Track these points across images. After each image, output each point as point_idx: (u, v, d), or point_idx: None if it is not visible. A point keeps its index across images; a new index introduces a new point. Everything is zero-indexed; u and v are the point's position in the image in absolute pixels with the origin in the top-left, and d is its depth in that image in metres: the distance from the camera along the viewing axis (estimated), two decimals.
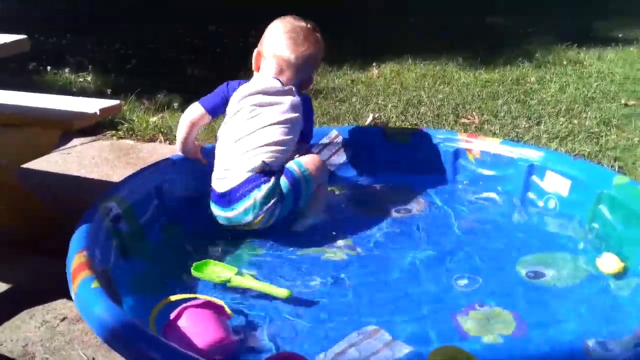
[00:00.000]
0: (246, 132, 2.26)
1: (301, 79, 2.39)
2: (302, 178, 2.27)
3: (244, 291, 1.94)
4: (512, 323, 1.81)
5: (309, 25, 2.39)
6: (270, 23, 2.41)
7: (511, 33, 6.00)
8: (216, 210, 2.26)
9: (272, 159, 2.23)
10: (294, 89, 2.35)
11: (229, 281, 1.94)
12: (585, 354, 1.70)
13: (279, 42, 2.34)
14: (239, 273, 1.97)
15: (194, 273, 1.98)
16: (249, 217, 2.19)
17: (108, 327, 1.49)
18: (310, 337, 1.76)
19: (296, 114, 2.32)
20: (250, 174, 2.20)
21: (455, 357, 1.59)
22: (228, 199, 2.22)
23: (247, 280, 1.95)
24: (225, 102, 2.36)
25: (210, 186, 2.29)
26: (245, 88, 2.34)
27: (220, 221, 2.27)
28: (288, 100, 2.32)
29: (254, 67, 2.43)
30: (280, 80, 2.34)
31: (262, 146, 2.23)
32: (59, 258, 1.81)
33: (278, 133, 2.27)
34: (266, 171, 2.21)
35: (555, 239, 2.29)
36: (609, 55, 5.19)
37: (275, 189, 2.21)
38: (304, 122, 2.38)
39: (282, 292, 1.88)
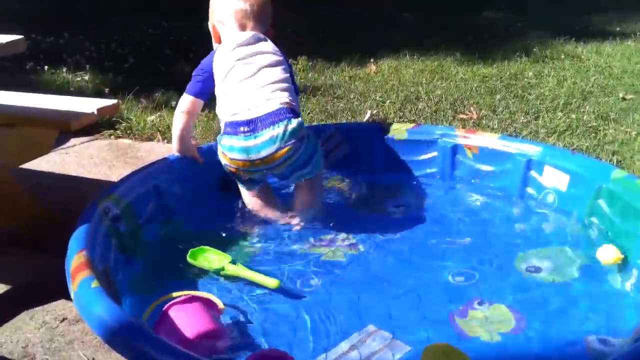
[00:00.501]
0: (248, 74, 2.23)
1: (264, 30, 2.39)
2: (317, 141, 2.30)
3: (241, 284, 1.95)
4: (511, 320, 1.81)
5: None
6: None
7: (509, 28, 6.00)
8: (232, 140, 2.17)
9: (291, 99, 2.22)
10: (263, 35, 2.35)
11: (222, 269, 1.98)
12: (586, 351, 1.70)
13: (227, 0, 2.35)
14: (233, 262, 2.00)
15: (189, 260, 2.02)
16: (272, 148, 2.12)
17: (108, 327, 1.49)
18: (310, 338, 1.75)
19: (281, 57, 2.33)
20: (282, 105, 2.16)
21: (447, 354, 1.58)
22: (252, 126, 2.14)
23: (240, 269, 1.98)
24: (208, 79, 2.33)
25: (226, 121, 2.21)
26: (222, 51, 2.32)
27: (234, 155, 2.18)
28: (267, 46, 2.32)
29: (215, 42, 2.42)
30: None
31: (273, 83, 2.22)
32: (58, 258, 1.81)
33: (279, 72, 2.27)
34: (294, 109, 2.19)
35: (554, 233, 2.29)
36: (607, 49, 5.19)
37: (303, 128, 2.19)
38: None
39: (271, 282, 1.91)
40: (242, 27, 2.35)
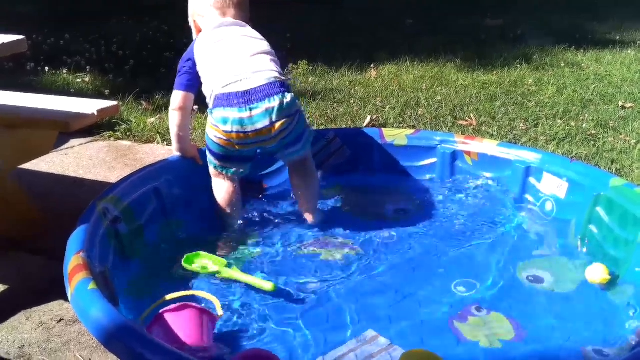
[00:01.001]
0: (234, 45, 2.25)
1: (245, 19, 2.40)
2: (306, 120, 2.34)
3: (235, 286, 1.94)
4: (509, 328, 1.81)
5: None
6: None
7: (509, 35, 6.01)
8: (226, 112, 2.12)
9: (281, 73, 2.23)
10: (244, 23, 2.38)
11: (218, 273, 1.98)
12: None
13: None
14: (228, 266, 2.00)
15: (184, 265, 2.02)
16: (267, 120, 2.11)
17: (104, 329, 1.49)
18: (307, 342, 1.75)
19: (265, 40, 2.33)
20: (275, 79, 2.16)
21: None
22: (247, 98, 2.11)
23: (235, 273, 1.98)
24: (193, 68, 2.31)
25: (217, 94, 2.17)
26: (204, 35, 2.33)
27: (228, 127, 2.13)
28: (250, 30, 2.35)
29: (196, 35, 2.42)
30: None
31: (261, 54, 2.23)
32: (56, 259, 1.81)
33: (265, 45, 2.29)
34: (284, 83, 2.19)
35: (552, 242, 2.29)
36: (607, 57, 5.20)
37: (297, 103, 2.20)
38: None
39: (267, 286, 1.90)
40: (223, 16, 2.37)
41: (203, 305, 1.81)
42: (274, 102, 2.12)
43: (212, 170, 2.32)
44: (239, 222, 2.34)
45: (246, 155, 2.27)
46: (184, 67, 2.35)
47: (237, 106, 2.12)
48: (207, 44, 2.29)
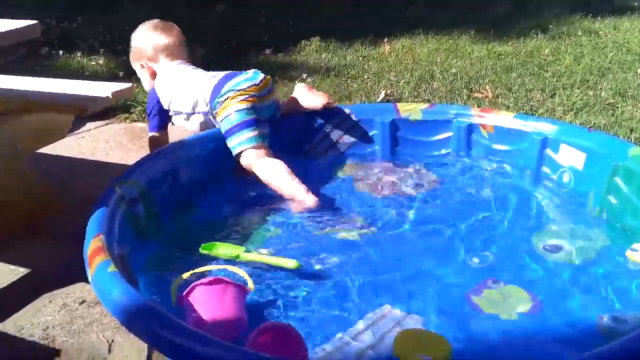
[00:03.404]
0: (194, 71, 2.60)
1: (189, 61, 2.69)
2: None
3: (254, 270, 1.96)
4: (527, 300, 1.81)
5: (155, 20, 2.72)
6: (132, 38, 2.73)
7: (524, 4, 5.92)
8: (235, 80, 2.43)
9: None
10: None
11: (237, 257, 1.97)
12: (598, 329, 1.69)
13: (152, 39, 2.64)
14: (247, 251, 1.99)
15: (201, 252, 2.01)
16: (258, 78, 2.45)
17: (125, 310, 1.51)
18: (327, 318, 1.76)
19: None
20: None
21: (421, 340, 1.58)
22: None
23: (255, 255, 1.98)
24: (161, 109, 2.58)
25: (211, 87, 2.45)
26: (163, 76, 2.60)
27: (243, 85, 2.41)
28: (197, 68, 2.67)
29: (149, 81, 2.66)
30: None
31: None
32: (76, 242, 1.82)
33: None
34: None
35: (570, 212, 2.27)
36: (625, 24, 5.11)
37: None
38: None
39: (290, 264, 1.90)
40: (174, 59, 2.65)
41: (234, 278, 1.81)
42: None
43: (252, 154, 2.35)
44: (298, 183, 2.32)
45: (265, 111, 2.48)
46: (152, 110, 2.59)
47: (233, 76, 2.43)
48: (170, 77, 2.58)
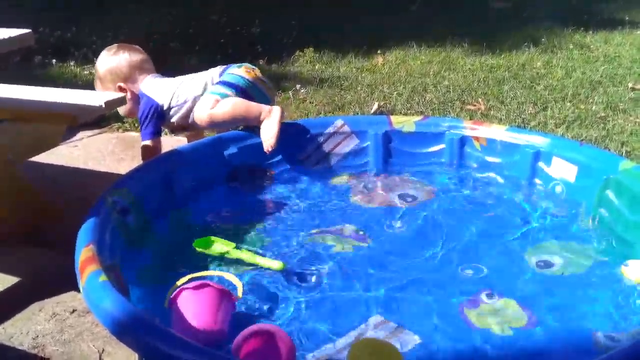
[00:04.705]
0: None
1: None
2: None
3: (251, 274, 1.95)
4: (521, 314, 1.81)
5: (114, 44, 2.78)
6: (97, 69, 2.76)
7: (516, 17, 5.96)
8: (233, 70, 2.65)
9: None
10: None
11: (227, 253, 2.00)
12: (594, 346, 1.69)
13: (123, 59, 2.69)
14: (237, 248, 2.02)
15: (194, 246, 2.04)
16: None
17: (116, 320, 1.50)
18: (317, 326, 1.76)
19: None
20: None
21: (377, 354, 1.56)
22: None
23: (243, 254, 2.00)
24: (156, 115, 2.59)
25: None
26: (151, 83, 2.67)
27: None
28: None
29: (130, 101, 2.68)
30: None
31: None
32: (67, 251, 1.82)
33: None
34: None
35: (562, 226, 2.28)
36: (616, 38, 5.15)
37: None
38: None
39: (275, 265, 1.94)
40: (150, 72, 2.73)
41: (226, 285, 1.81)
42: None
43: (213, 102, 2.52)
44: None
45: (259, 97, 2.61)
46: (147, 117, 2.60)
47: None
48: (163, 79, 2.69)
